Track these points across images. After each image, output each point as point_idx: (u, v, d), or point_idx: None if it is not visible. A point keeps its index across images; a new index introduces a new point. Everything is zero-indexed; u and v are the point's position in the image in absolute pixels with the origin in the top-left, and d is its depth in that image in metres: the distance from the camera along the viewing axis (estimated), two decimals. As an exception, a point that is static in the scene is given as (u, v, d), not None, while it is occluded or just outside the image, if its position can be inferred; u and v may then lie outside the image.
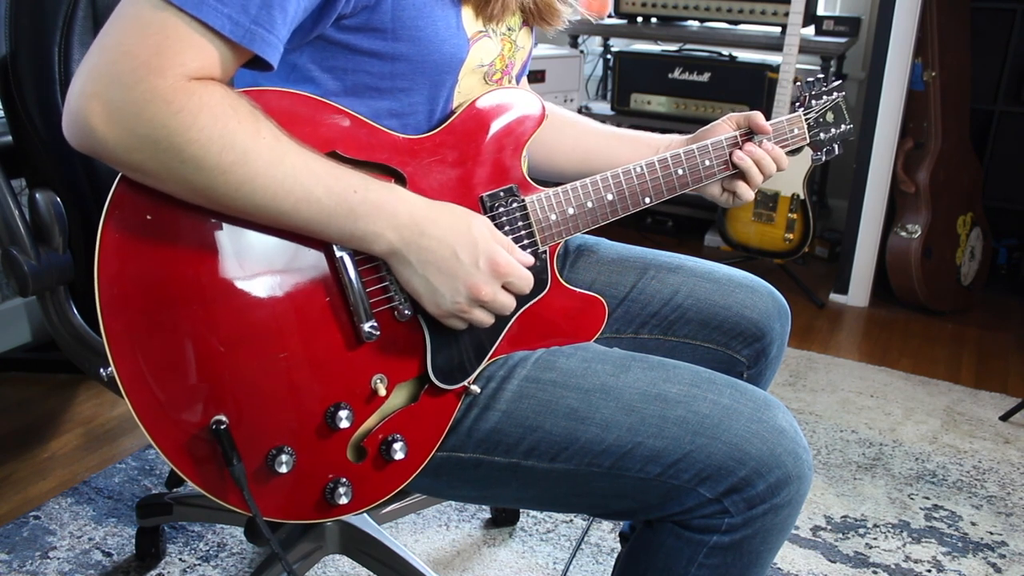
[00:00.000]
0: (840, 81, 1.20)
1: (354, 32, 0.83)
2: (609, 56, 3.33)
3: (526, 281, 0.88)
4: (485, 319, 0.88)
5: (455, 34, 0.88)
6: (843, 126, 1.20)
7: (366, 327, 0.85)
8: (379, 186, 0.81)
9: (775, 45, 2.75)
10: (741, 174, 1.08)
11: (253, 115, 0.76)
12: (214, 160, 0.73)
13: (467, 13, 0.90)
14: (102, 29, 0.72)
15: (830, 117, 1.18)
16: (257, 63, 0.77)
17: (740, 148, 1.08)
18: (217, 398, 0.80)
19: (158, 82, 0.70)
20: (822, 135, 1.18)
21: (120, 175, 0.76)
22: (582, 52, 3.18)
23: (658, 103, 3.09)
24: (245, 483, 0.81)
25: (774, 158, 1.08)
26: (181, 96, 0.71)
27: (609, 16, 3.15)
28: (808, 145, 1.17)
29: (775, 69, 2.79)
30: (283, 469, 0.82)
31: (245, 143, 0.74)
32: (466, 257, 0.84)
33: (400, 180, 0.87)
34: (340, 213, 0.79)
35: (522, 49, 1.02)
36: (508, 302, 0.88)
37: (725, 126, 1.10)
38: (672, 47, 3.18)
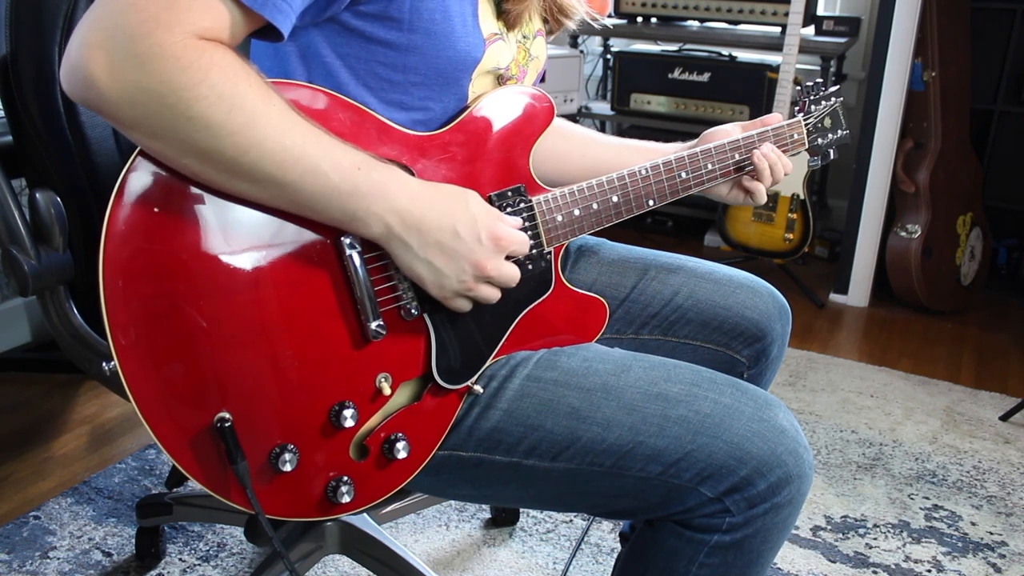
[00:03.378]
0: (838, 87, 1.20)
1: (370, 20, 0.83)
2: (609, 56, 3.33)
3: (524, 244, 0.88)
4: (492, 294, 0.87)
5: (471, 32, 0.88)
6: (840, 131, 1.21)
7: (373, 326, 0.85)
8: (381, 166, 0.81)
9: (775, 45, 2.75)
10: (754, 175, 1.09)
11: (263, 83, 0.75)
12: (222, 119, 0.71)
13: (484, 12, 0.90)
14: None
15: (828, 122, 1.19)
16: (267, 32, 0.76)
17: (742, 149, 1.08)
18: (222, 395, 0.80)
19: (166, 36, 0.68)
20: (820, 140, 1.19)
21: (125, 171, 0.75)
22: (582, 52, 3.18)
23: (658, 103, 3.09)
24: (249, 481, 0.81)
25: (780, 160, 1.10)
26: (191, 52, 0.69)
27: (609, 16, 3.15)
28: (807, 150, 1.18)
29: (775, 69, 2.79)
30: (287, 468, 0.82)
31: (255, 106, 0.73)
32: (467, 234, 0.83)
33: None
34: (344, 190, 0.78)
35: (536, 59, 1.02)
36: (513, 272, 0.87)
37: (729, 130, 1.10)
38: (672, 47, 3.18)
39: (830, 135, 1.19)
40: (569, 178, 1.15)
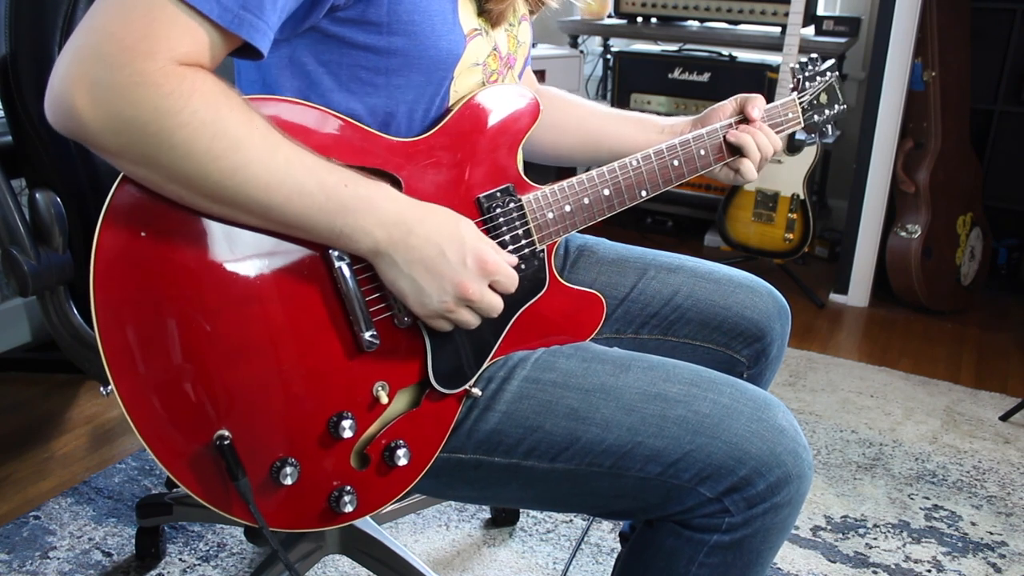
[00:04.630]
0: (832, 61, 1.19)
1: (349, 25, 0.82)
2: (609, 56, 3.33)
3: (512, 280, 0.87)
4: (471, 320, 0.86)
5: (451, 29, 0.87)
6: (837, 107, 1.19)
7: (366, 336, 0.84)
8: (368, 183, 0.80)
9: (775, 45, 2.75)
10: (741, 153, 1.09)
11: (245, 106, 0.74)
12: (205, 145, 0.71)
13: (464, 8, 0.89)
14: (88, 11, 0.71)
15: (824, 98, 1.18)
16: (247, 51, 0.76)
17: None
18: (219, 413, 0.79)
19: (147, 65, 0.68)
20: (816, 117, 1.18)
21: (114, 189, 0.75)
22: (582, 52, 3.18)
23: (658, 103, 3.09)
24: (251, 497, 0.80)
25: (766, 135, 1.09)
26: (172, 79, 0.69)
27: (609, 16, 3.15)
28: (803, 128, 1.17)
29: (775, 69, 2.79)
30: (288, 481, 0.82)
31: (238, 130, 0.72)
32: (453, 255, 0.83)
33: (396, 184, 0.86)
34: (331, 208, 0.78)
35: (523, 44, 1.02)
36: (495, 302, 0.86)
37: (729, 107, 1.11)
38: (672, 47, 3.18)
39: (827, 111, 1.18)
40: (568, 152, 1.17)
